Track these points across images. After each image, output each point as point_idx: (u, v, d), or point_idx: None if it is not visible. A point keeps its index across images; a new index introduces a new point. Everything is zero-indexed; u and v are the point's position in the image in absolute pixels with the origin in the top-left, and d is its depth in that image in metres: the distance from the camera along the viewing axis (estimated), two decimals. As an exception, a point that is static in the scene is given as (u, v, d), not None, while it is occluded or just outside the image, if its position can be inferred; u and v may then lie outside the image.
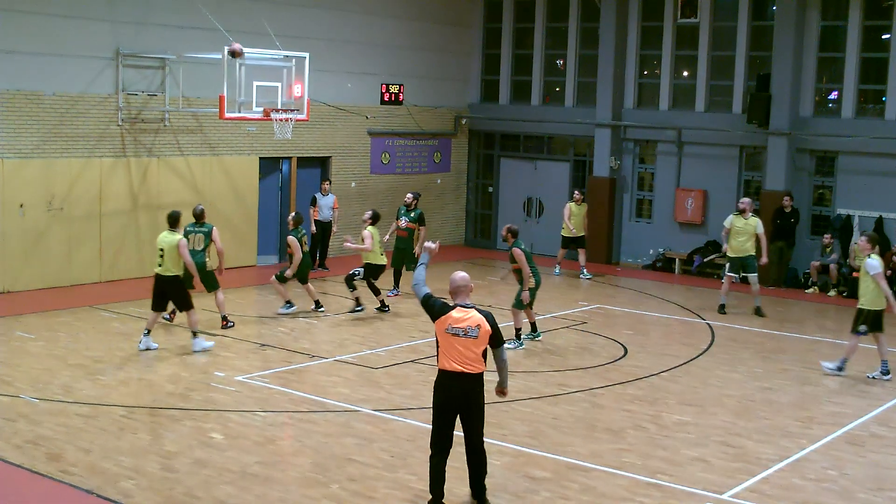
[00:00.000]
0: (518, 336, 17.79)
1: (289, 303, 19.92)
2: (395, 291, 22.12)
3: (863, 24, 25.27)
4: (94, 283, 21.97)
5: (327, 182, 25.41)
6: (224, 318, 18.38)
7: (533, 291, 17.68)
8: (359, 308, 20.01)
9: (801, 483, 11.79)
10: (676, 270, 27.19)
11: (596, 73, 28.62)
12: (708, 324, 20.70)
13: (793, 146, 25.75)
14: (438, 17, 29.67)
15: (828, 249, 24.96)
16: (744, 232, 21.59)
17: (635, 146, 28.53)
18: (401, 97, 28.49)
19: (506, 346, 14.72)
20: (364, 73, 27.54)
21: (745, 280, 22.02)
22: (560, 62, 29.92)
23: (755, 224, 21.68)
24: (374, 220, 20.45)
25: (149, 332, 16.72)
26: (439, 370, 10.37)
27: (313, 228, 24.89)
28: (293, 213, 20.05)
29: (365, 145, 27.76)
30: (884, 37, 25.29)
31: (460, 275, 10.71)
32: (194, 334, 16.70)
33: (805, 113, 25.91)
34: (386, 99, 28.18)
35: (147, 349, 16.51)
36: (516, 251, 17.49)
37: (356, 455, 11.99)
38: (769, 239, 25.34)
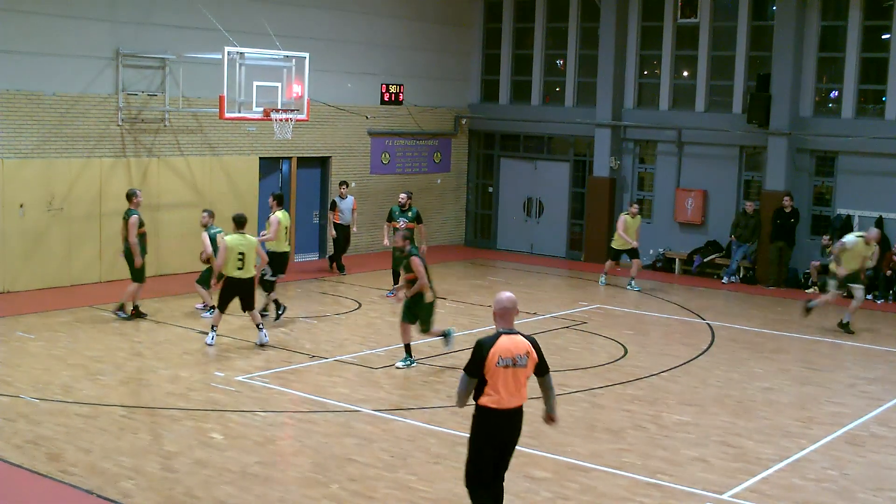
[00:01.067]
0: (408, 351, 16.25)
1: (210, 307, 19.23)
2: (390, 294, 21.70)
3: (863, 24, 25.27)
4: (94, 283, 21.96)
5: (345, 185, 25.18)
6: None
7: (429, 309, 16.12)
8: (280, 312, 19.09)
9: (801, 483, 11.79)
10: (676, 270, 27.19)
11: (596, 73, 28.63)
12: (708, 324, 20.70)
13: (793, 146, 25.74)
14: (438, 17, 29.68)
15: (827, 250, 24.94)
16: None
17: (635, 146, 28.53)
18: (401, 97, 28.50)
19: (397, 364, 14.85)
20: (364, 73, 27.54)
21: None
22: (560, 62, 29.92)
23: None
24: (280, 202, 19.49)
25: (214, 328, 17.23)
26: (483, 407, 9.27)
27: (333, 232, 24.71)
28: (206, 211, 19.49)
29: (365, 145, 27.77)
30: (884, 37, 25.28)
31: (506, 295, 9.58)
32: (259, 327, 17.16)
33: (805, 113, 25.91)
34: (386, 99, 28.19)
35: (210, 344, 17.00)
36: (415, 260, 15.95)
37: (356, 455, 11.99)
38: (769, 239, 25.43)
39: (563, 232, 29.60)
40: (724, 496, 11.27)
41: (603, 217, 28.15)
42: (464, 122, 30.69)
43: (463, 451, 11.72)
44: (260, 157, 25.18)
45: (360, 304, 20.89)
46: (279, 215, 19.16)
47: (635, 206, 24.75)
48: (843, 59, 25.55)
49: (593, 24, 28.81)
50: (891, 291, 24.14)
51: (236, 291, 16.98)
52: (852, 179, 25.39)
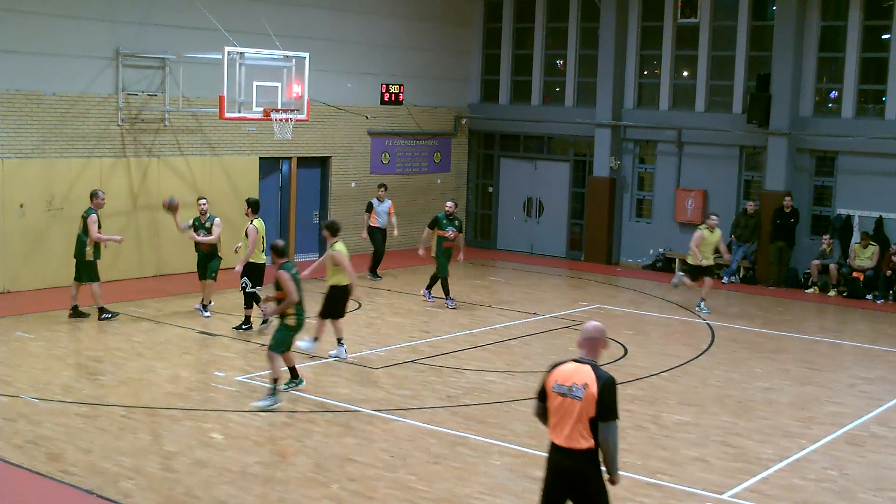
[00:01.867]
0: (273, 391, 13.87)
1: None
2: (453, 303, 21.17)
3: (863, 24, 25.28)
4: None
5: (383, 188, 24.94)
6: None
7: (293, 332, 14.28)
8: (244, 327, 18.29)
9: (801, 483, 11.79)
10: (677, 270, 27.16)
11: (596, 73, 28.63)
12: (708, 324, 20.69)
13: (793, 146, 25.75)
14: (438, 17, 29.69)
15: (827, 251, 24.96)
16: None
17: (635, 146, 28.53)
18: (401, 97, 28.50)
19: (255, 403, 13.61)
20: (364, 73, 27.54)
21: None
22: (560, 62, 29.93)
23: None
24: (256, 209, 18.36)
25: (339, 341, 16.81)
26: (550, 441, 8.45)
27: (365, 235, 24.76)
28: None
29: (365, 145, 27.77)
30: (884, 37, 25.29)
31: (593, 325, 8.48)
32: (340, 341, 16.67)
33: (805, 113, 25.91)
34: (386, 99, 28.19)
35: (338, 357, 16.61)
36: (283, 275, 14.03)
37: (356, 455, 11.99)
38: (769, 239, 25.43)
39: (563, 232, 29.60)
40: (724, 496, 11.27)
41: (603, 217, 28.16)
42: (464, 122, 30.69)
43: (464, 451, 11.81)
44: (260, 157, 25.18)
45: (359, 305, 20.88)
46: (256, 224, 18.19)
47: (714, 217, 22.17)
48: (844, 58, 25.56)
49: (593, 24, 28.82)
50: (891, 291, 24.12)
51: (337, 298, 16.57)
52: (852, 179, 25.38)
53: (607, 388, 8.09)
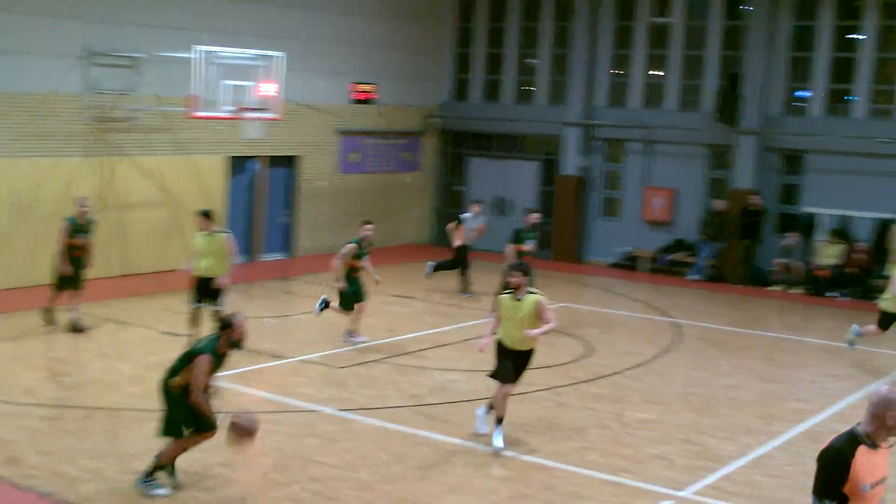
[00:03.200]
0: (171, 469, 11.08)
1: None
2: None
3: (833, 25, 25.45)
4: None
5: (478, 204, 23.86)
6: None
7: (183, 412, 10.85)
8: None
9: (762, 479, 11.89)
10: (643, 269, 27.27)
11: (568, 72, 28.69)
12: (674, 322, 20.79)
13: (761, 145, 25.91)
14: (411, 16, 29.67)
15: (792, 248, 25.12)
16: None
17: (605, 145, 28.62)
18: (372, 96, 28.46)
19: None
20: (335, 71, 27.50)
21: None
22: (533, 61, 29.97)
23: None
24: (208, 220, 16.79)
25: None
26: None
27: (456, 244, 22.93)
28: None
29: (335, 144, 27.72)
30: (853, 37, 25.45)
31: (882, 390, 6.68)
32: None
33: (774, 112, 26.07)
34: (357, 98, 28.15)
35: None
36: (201, 359, 10.41)
37: (319, 455, 11.99)
38: (737, 237, 25.56)
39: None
40: (686, 493, 11.34)
41: (571, 216, 28.25)
42: (435, 120, 30.68)
43: (427, 451, 11.82)
44: (229, 157, 25.10)
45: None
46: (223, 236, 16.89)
47: None
48: (814, 58, 25.72)
49: (566, 23, 28.87)
50: (856, 289, 24.31)
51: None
52: (819, 178, 25.55)
53: (819, 458, 6.71)
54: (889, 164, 24.65)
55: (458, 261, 22.99)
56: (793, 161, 26.12)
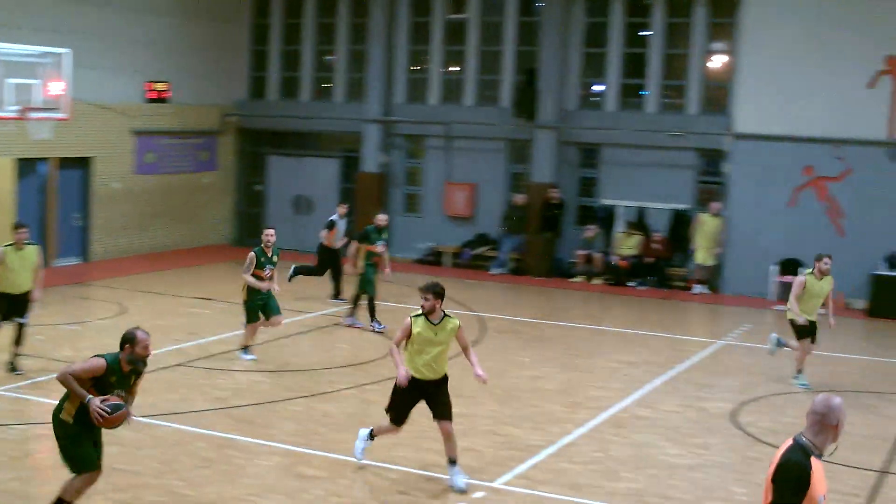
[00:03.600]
0: None
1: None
2: (382, 326, 19.15)
3: (624, 21, 26.15)
4: None
5: (343, 205, 22.69)
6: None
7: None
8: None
9: (569, 466, 12.06)
10: (447, 264, 27.44)
11: (366, 69, 28.64)
12: (477, 315, 20.96)
13: (559, 139, 26.40)
14: (205, 13, 29.07)
15: (592, 240, 25.70)
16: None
17: (405, 141, 28.69)
18: (167, 94, 27.77)
19: None
20: (128, 70, 26.68)
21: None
22: (330, 58, 29.80)
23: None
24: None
25: None
26: None
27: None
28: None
29: (129, 145, 26.92)
30: (643, 33, 26.19)
31: (821, 397, 6.60)
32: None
33: (570, 106, 26.61)
34: (151, 97, 27.41)
35: None
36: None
37: (122, 464, 11.55)
38: (537, 230, 26.00)
39: (336, 229, 29.47)
40: (495, 483, 11.42)
41: (373, 212, 28.13)
42: (232, 119, 30.17)
43: (233, 453, 11.54)
44: (16, 159, 24.09)
45: (124, 309, 20.26)
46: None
47: (826, 260, 16.22)
48: (607, 54, 26.36)
49: (363, 20, 28.80)
50: (652, 278, 25.07)
51: None
52: (615, 171, 26.22)
53: (778, 474, 6.40)
54: (680, 156, 25.49)
55: (326, 265, 22.01)
56: (590, 154, 26.74)
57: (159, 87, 27.49)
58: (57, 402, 9.70)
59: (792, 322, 16.31)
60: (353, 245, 19.51)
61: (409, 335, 11.15)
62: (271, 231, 17.21)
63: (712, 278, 24.93)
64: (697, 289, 24.64)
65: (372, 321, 19.26)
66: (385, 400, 11.77)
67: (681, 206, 25.43)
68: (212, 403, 14.13)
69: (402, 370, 11.15)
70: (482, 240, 27.38)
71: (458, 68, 28.29)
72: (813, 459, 6.35)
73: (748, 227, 24.52)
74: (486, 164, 27.55)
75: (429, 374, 11.22)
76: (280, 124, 30.02)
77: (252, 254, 16.67)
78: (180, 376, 15.53)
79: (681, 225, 25.34)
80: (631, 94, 26.62)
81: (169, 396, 14.42)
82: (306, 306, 21.32)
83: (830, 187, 23.98)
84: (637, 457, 12.52)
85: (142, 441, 12.42)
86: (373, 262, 19.29)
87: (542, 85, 26.33)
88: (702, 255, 24.47)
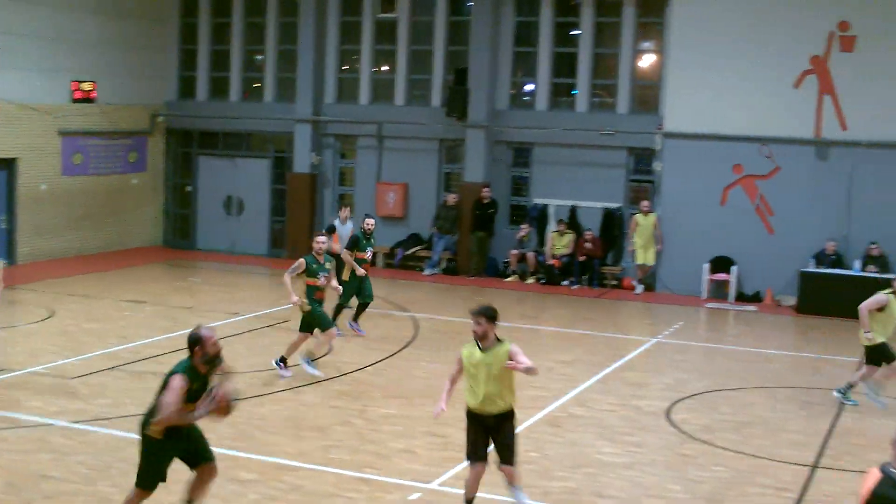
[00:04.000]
0: None
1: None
2: (362, 331, 18.95)
3: (554, 21, 26.25)
4: None
5: (346, 206, 22.01)
6: None
7: None
8: None
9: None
10: (379, 264, 27.33)
11: (296, 69, 28.46)
12: (411, 316, 20.91)
13: (490, 138, 26.43)
14: (132, 12, 28.65)
15: (525, 239, 25.77)
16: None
17: (336, 141, 28.56)
18: (93, 95, 27.34)
19: None
20: (53, 69, 26.23)
21: None
22: (260, 58, 29.57)
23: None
24: None
25: None
26: None
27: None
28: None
29: (56, 146, 26.47)
30: (573, 33, 26.31)
31: None
32: None
33: (502, 106, 26.65)
34: (77, 97, 26.97)
35: None
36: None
37: (52, 471, 11.37)
38: (470, 230, 26.00)
39: (266, 230, 29.28)
40: (433, 485, 11.38)
41: (304, 213, 28.07)
42: (160, 119, 29.80)
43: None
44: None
45: (53, 312, 19.93)
46: None
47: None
48: (537, 53, 26.45)
49: (292, 19, 28.61)
50: (585, 277, 25.18)
51: None
52: (547, 170, 26.31)
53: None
54: (611, 155, 25.64)
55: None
56: (521, 153, 26.81)
57: (85, 86, 27.07)
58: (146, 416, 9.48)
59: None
60: (346, 254, 18.85)
61: (461, 367, 10.36)
62: (322, 238, 16.34)
63: (651, 277, 25.11)
64: (640, 288, 24.80)
65: (353, 322, 18.92)
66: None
67: (612, 205, 25.58)
68: (144, 408, 13.87)
69: (438, 406, 10.42)
70: (415, 240, 27.33)
71: (388, 68, 28.22)
72: None
73: (680, 226, 24.72)
74: (417, 163, 27.51)
75: (482, 407, 10.17)
76: (209, 125, 29.72)
77: (302, 260, 15.89)
78: (112, 381, 15.30)
79: (612, 224, 25.50)
80: (562, 93, 26.73)
81: (100, 401, 14.21)
82: (241, 308, 21.14)
83: (760, 186, 24.26)
84: (572, 456, 12.55)
85: (72, 448, 12.23)
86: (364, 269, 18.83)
87: (472, 84, 26.34)
88: (642, 254, 24.62)
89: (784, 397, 15.89)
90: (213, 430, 12.90)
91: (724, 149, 24.40)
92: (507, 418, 10.24)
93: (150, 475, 9.48)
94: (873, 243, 23.08)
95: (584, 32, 26.08)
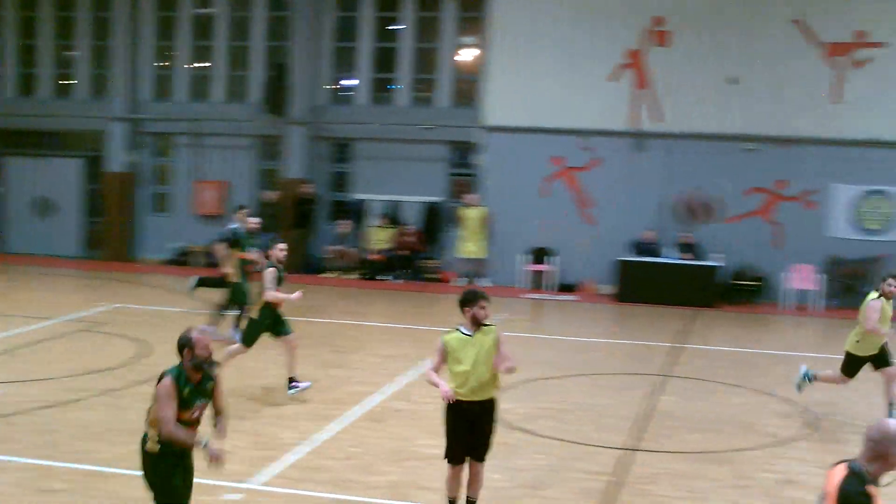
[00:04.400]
0: None
1: None
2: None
3: (375, 16, 26.20)
4: None
5: (244, 208, 20.05)
6: None
7: None
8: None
9: (328, 463, 11.88)
10: (197, 264, 26.83)
11: (110, 65, 27.71)
12: (230, 315, 20.52)
13: (310, 134, 26.24)
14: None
15: (345, 235, 25.67)
16: None
17: (153, 139, 27.95)
18: None
19: None
20: None
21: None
22: (72, 53, 28.69)
23: None
24: None
25: None
26: None
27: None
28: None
29: None
30: (394, 28, 26.31)
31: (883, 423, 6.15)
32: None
33: (322, 101, 26.47)
34: None
35: None
36: None
37: None
38: (291, 227, 25.75)
39: (79, 231, 28.45)
40: (252, 484, 11.14)
41: (121, 213, 27.40)
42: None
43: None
44: None
45: None
46: None
47: (892, 281, 13.64)
48: (358, 49, 26.35)
49: (106, 14, 27.85)
50: (406, 271, 25.22)
51: None
52: (368, 165, 26.26)
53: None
54: (432, 149, 25.73)
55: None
56: (342, 149, 26.70)
57: None
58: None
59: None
60: (221, 248, 18.14)
61: (444, 358, 9.79)
62: (282, 246, 15.29)
63: (481, 270, 25.22)
64: (462, 281, 24.90)
65: (235, 329, 18.15)
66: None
67: (433, 199, 25.67)
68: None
69: (443, 388, 9.67)
70: (233, 239, 26.92)
71: (206, 64, 27.72)
72: (872, 488, 5.93)
73: (501, 218, 24.95)
74: (236, 161, 27.13)
75: (470, 394, 9.74)
76: (17, 123, 28.72)
77: (272, 270, 14.87)
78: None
79: (434, 218, 25.59)
80: (382, 88, 26.72)
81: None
82: (49, 312, 20.42)
83: (579, 177, 24.65)
84: (394, 450, 12.47)
85: None
86: (247, 270, 18.20)
87: (292, 80, 26.10)
88: (470, 247, 24.74)
89: (603, 384, 16.14)
90: (19, 440, 12.41)
91: (544, 141, 24.73)
92: (492, 407, 9.93)
93: (164, 495, 8.78)
94: (687, 232, 23.71)
95: (405, 27, 26.09)
